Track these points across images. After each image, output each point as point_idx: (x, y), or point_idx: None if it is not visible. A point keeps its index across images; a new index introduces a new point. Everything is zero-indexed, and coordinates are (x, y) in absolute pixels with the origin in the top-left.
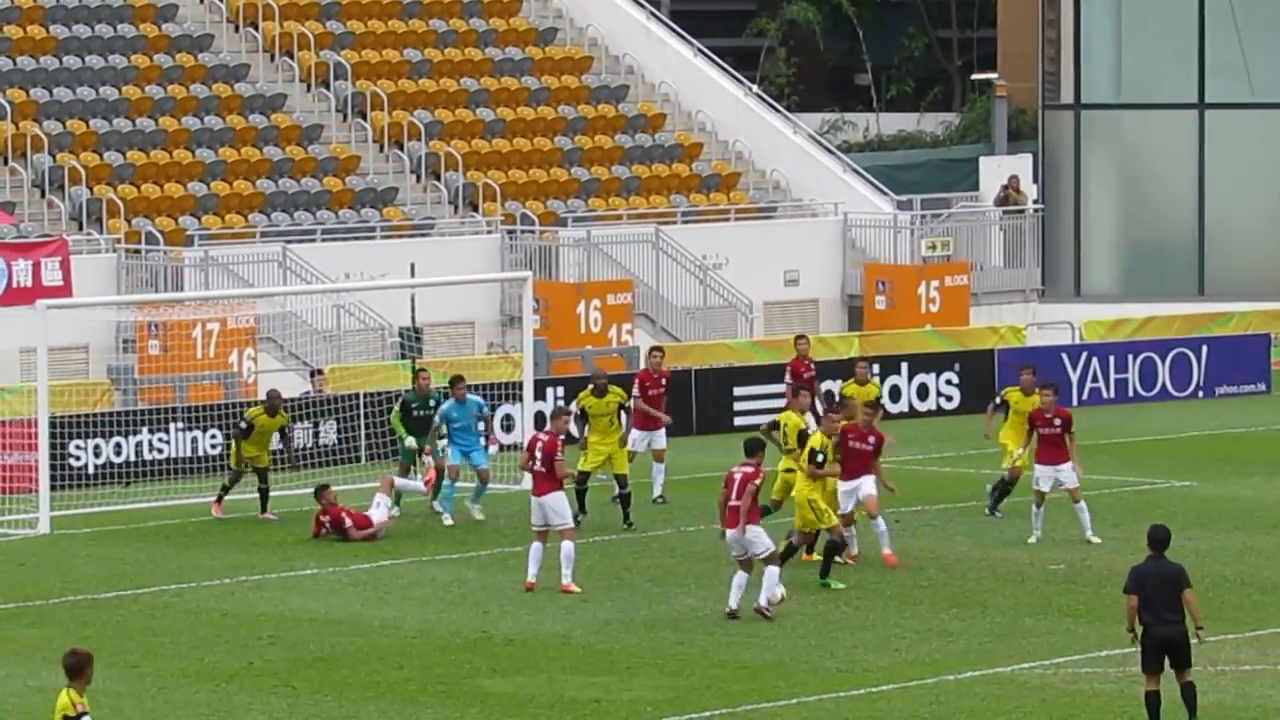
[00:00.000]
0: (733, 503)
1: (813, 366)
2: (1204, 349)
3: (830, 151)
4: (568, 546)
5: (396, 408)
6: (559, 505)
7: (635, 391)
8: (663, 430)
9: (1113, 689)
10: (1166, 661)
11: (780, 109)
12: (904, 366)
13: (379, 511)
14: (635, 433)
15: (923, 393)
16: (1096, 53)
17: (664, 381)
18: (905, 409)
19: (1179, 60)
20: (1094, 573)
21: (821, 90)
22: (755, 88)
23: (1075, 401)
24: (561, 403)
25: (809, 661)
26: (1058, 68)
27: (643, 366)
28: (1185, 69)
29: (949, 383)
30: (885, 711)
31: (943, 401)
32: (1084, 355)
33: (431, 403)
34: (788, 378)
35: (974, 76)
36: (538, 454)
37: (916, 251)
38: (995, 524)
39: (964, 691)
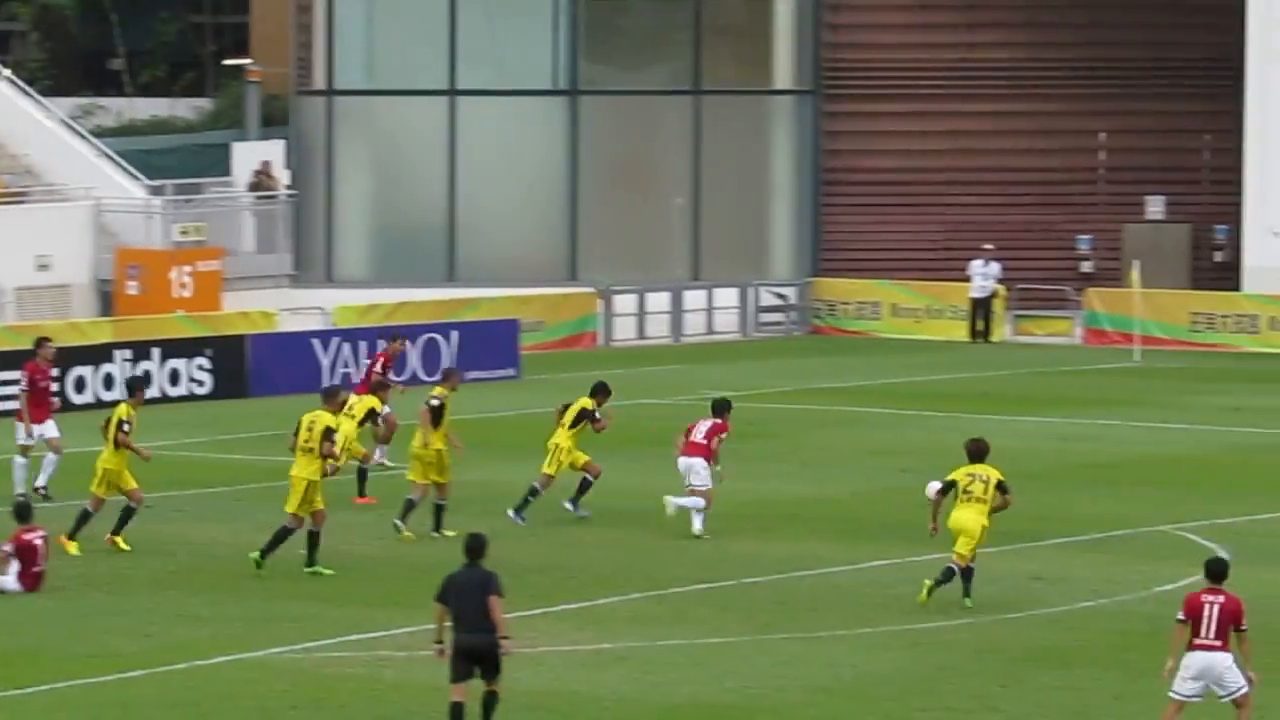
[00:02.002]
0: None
1: None
2: (454, 334)
3: (82, 136)
4: None
5: None
6: None
7: (24, 385)
8: None
9: (363, 671)
10: None
11: (32, 93)
12: (155, 352)
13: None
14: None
15: (175, 378)
16: (349, 39)
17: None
18: (158, 394)
19: (431, 47)
20: (347, 557)
21: (75, 74)
22: (8, 71)
23: (326, 384)
24: None
25: (58, 648)
26: (310, 54)
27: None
28: (437, 56)
29: (201, 368)
30: (137, 696)
31: (195, 387)
32: (335, 340)
33: None
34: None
35: (226, 61)
36: None
37: (170, 236)
38: (246, 510)
39: (215, 676)
